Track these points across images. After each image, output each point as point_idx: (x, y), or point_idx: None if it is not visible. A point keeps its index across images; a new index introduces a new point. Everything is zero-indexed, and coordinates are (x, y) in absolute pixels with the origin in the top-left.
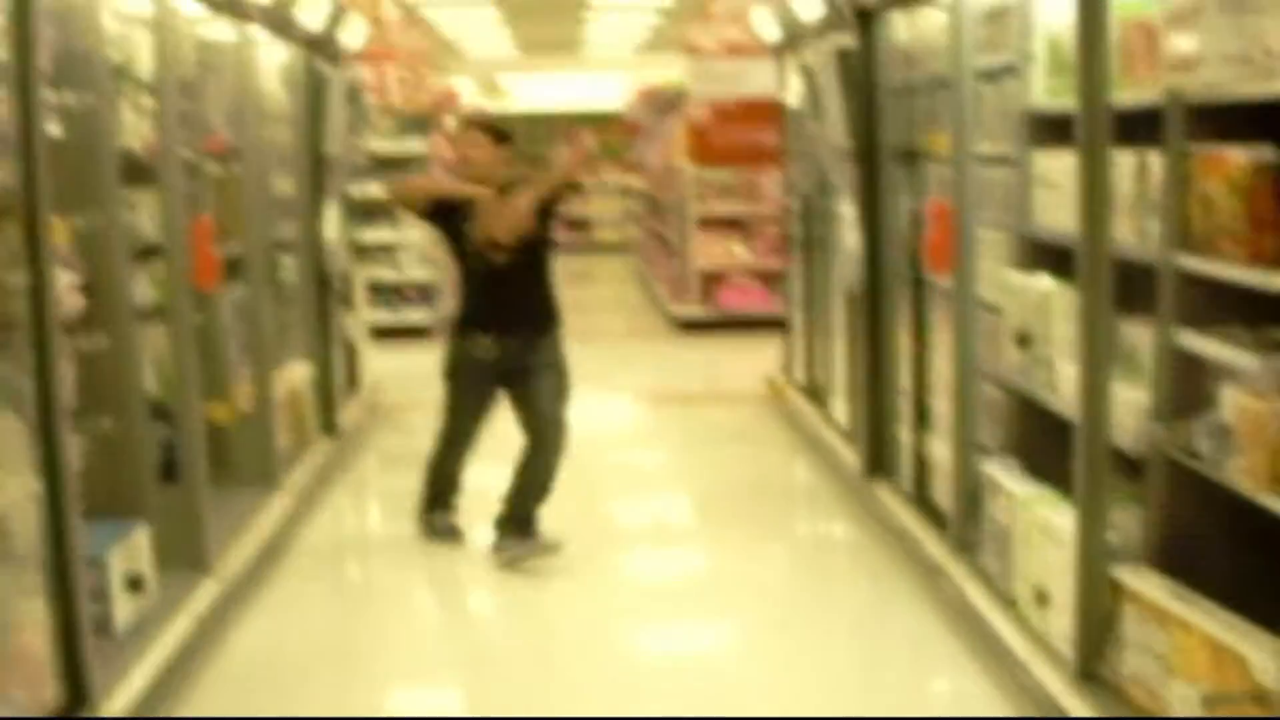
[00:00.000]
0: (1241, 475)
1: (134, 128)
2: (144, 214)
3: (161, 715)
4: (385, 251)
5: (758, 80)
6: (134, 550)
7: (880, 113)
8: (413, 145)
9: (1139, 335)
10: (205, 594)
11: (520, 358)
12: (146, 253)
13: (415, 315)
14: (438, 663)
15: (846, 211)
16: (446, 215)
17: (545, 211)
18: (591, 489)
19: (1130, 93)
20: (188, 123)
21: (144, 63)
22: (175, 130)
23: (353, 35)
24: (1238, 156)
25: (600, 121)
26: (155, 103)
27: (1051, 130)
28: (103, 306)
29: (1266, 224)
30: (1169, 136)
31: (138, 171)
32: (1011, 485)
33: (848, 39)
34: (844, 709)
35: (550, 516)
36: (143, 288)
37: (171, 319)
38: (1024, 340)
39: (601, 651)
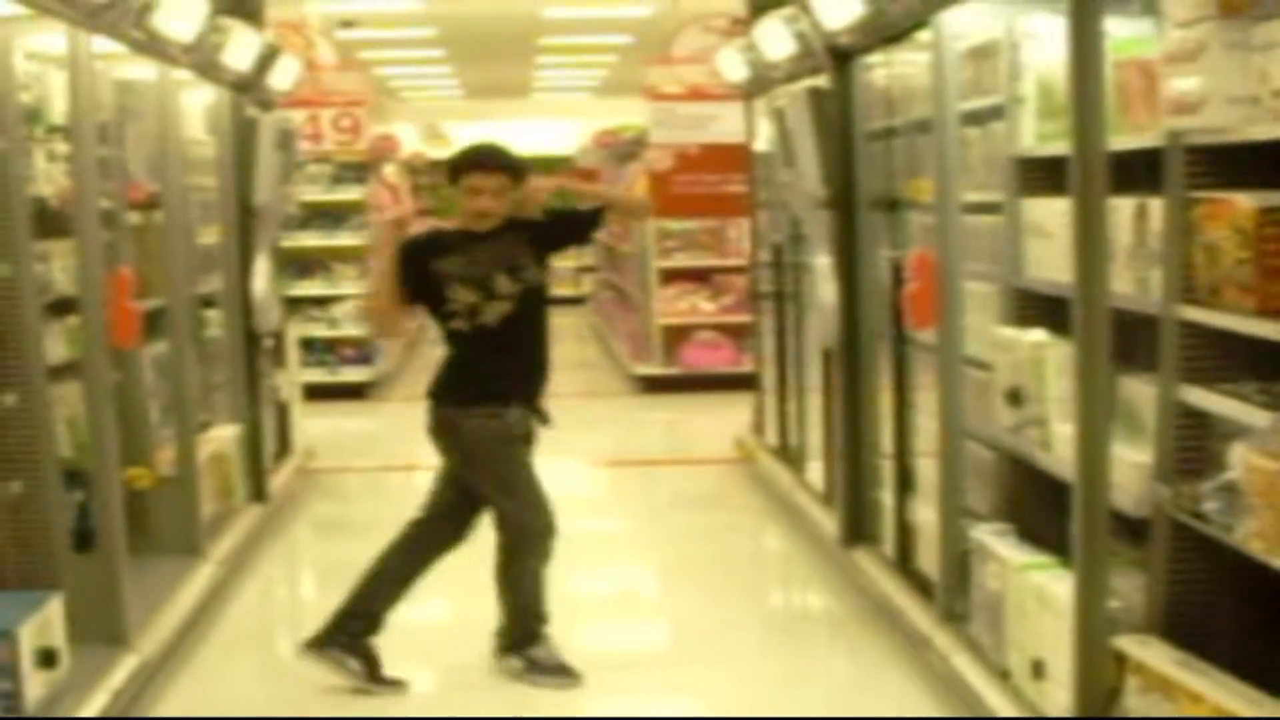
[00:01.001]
0: (1252, 538)
1: (47, 174)
2: (57, 265)
3: None
4: (320, 306)
5: (723, 125)
6: (46, 623)
7: (857, 158)
8: (349, 194)
9: (1140, 391)
10: (123, 669)
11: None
12: (60, 307)
13: (352, 374)
14: None
15: (822, 263)
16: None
17: (545, 252)
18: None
19: (1128, 136)
20: (106, 169)
21: (58, 105)
22: (92, 177)
23: (284, 77)
24: (1245, 202)
25: (553, 166)
26: (70, 148)
27: (1043, 176)
28: (12, 363)
29: (1276, 272)
30: (1170, 181)
31: (51, 221)
32: (1004, 551)
33: (822, 80)
34: None
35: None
36: (56, 344)
37: (87, 377)
38: (1016, 398)
39: None
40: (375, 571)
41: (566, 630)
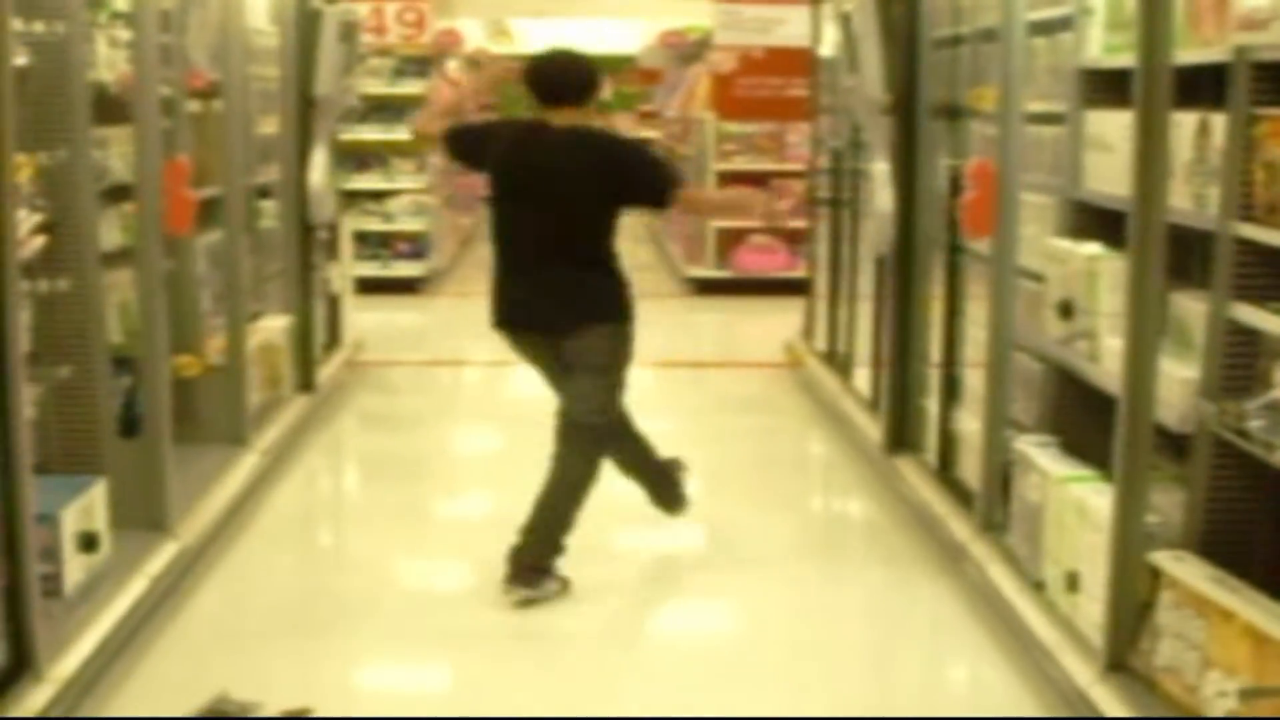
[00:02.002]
0: None
1: (108, 61)
2: (115, 152)
3: (109, 682)
4: (376, 200)
5: (789, 29)
6: (89, 508)
7: (922, 66)
8: (411, 88)
9: (1191, 308)
10: (163, 556)
11: None
12: (116, 193)
13: (406, 269)
14: (414, 637)
15: (880, 170)
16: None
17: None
18: None
19: (1195, 50)
20: (167, 57)
21: None
22: (152, 64)
23: None
24: None
25: (617, 66)
26: (132, 34)
27: (1107, 89)
28: (65, 248)
29: None
30: (1235, 97)
31: (110, 107)
32: (1045, 463)
33: None
34: (855, 696)
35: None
36: (111, 230)
37: (140, 264)
38: (1067, 310)
39: (600, 629)
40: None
41: (609, 531)
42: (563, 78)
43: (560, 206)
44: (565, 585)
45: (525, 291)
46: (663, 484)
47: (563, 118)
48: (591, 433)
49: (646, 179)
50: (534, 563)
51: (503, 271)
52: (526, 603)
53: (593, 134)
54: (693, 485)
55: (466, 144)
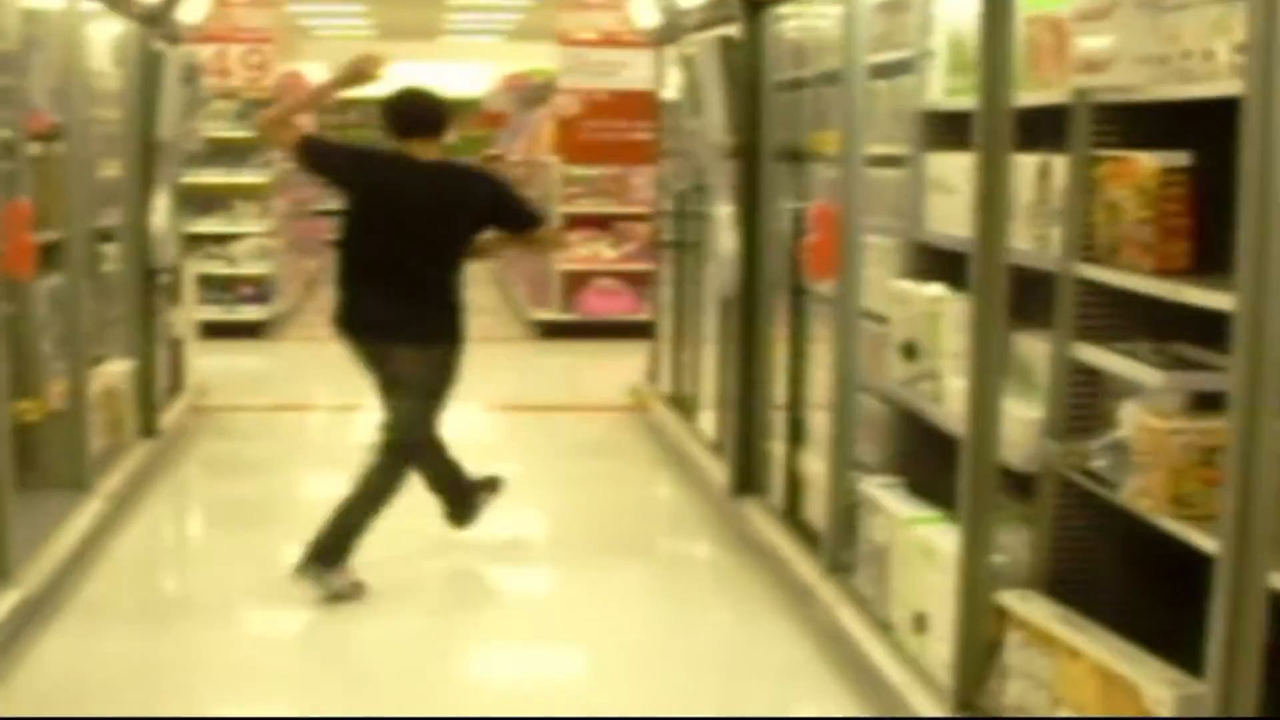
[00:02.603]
0: (1139, 497)
1: None
2: None
3: None
4: (219, 243)
5: (632, 72)
6: None
7: (764, 109)
8: (253, 132)
9: (1034, 348)
10: (5, 603)
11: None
12: None
13: (249, 313)
14: (259, 686)
15: (723, 212)
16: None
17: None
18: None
19: (1035, 93)
20: (7, 99)
21: None
22: None
23: (192, 11)
24: (1148, 161)
25: (461, 110)
26: None
27: (949, 131)
28: None
29: (1177, 233)
30: (1075, 138)
31: None
32: (891, 504)
33: (733, 29)
34: None
35: (397, 532)
36: None
37: None
38: (910, 351)
39: (444, 676)
40: None
41: (455, 572)
42: (419, 112)
43: (427, 232)
44: (358, 588)
45: (377, 304)
46: (459, 501)
47: (420, 150)
48: (405, 450)
49: (516, 207)
50: (320, 555)
51: (355, 283)
52: (314, 584)
53: (462, 167)
54: (538, 529)
55: (325, 157)
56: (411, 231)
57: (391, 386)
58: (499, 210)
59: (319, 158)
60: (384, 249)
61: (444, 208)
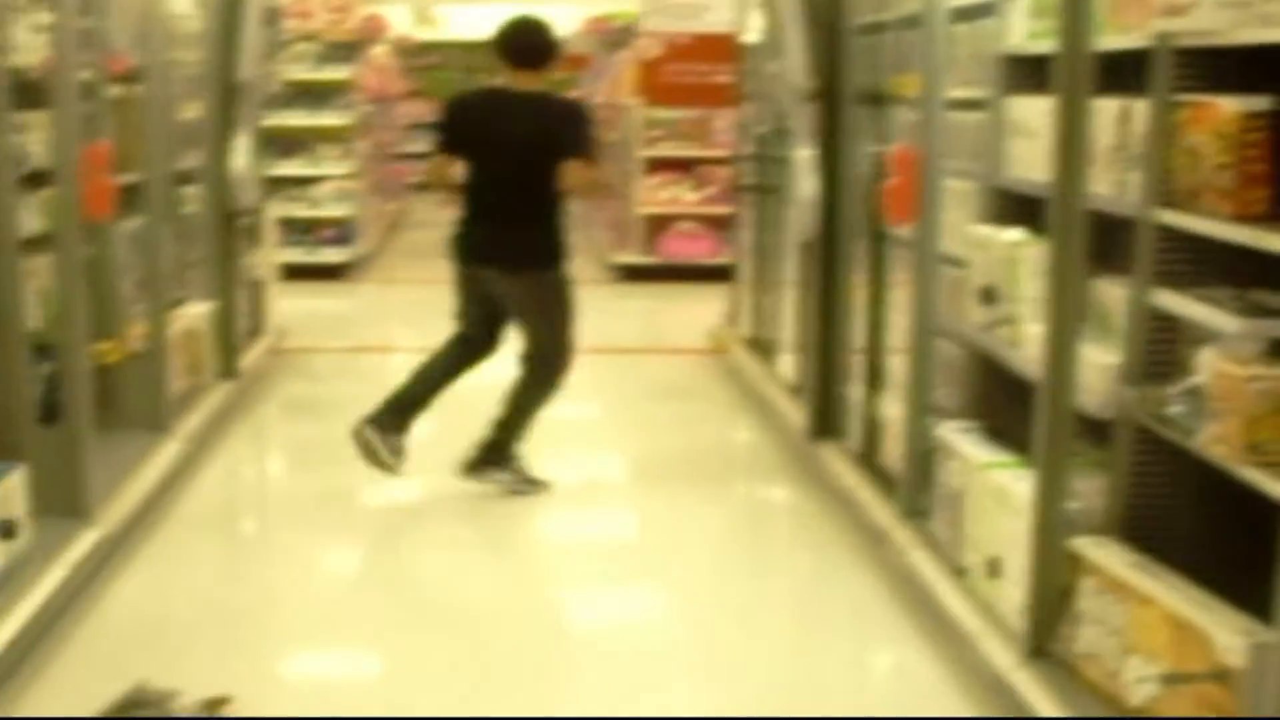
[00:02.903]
0: (1214, 444)
1: (28, 45)
2: (34, 137)
3: (28, 670)
4: (300, 186)
5: (716, 15)
6: (8, 495)
7: (845, 52)
8: (335, 74)
9: (1112, 293)
10: (83, 543)
11: None
12: (36, 179)
13: (330, 255)
14: (339, 626)
15: (804, 156)
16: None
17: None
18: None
19: (1116, 37)
20: (87, 41)
21: None
22: (73, 49)
23: None
24: (1229, 106)
25: None
26: (52, 18)
27: (1030, 75)
28: None
29: (1257, 179)
30: (1156, 83)
31: (30, 92)
32: (966, 449)
33: None
34: (779, 681)
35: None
36: (30, 216)
37: (59, 250)
38: (989, 296)
39: (525, 617)
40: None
41: (534, 512)
42: (525, 45)
43: (515, 160)
44: (538, 484)
45: (477, 232)
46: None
47: (524, 80)
48: (541, 367)
49: (574, 138)
50: (488, 458)
51: (464, 213)
52: (481, 481)
53: (553, 98)
54: (617, 471)
55: (451, 131)
56: (502, 160)
57: (501, 310)
58: (561, 137)
59: (450, 137)
60: (483, 179)
61: (530, 137)
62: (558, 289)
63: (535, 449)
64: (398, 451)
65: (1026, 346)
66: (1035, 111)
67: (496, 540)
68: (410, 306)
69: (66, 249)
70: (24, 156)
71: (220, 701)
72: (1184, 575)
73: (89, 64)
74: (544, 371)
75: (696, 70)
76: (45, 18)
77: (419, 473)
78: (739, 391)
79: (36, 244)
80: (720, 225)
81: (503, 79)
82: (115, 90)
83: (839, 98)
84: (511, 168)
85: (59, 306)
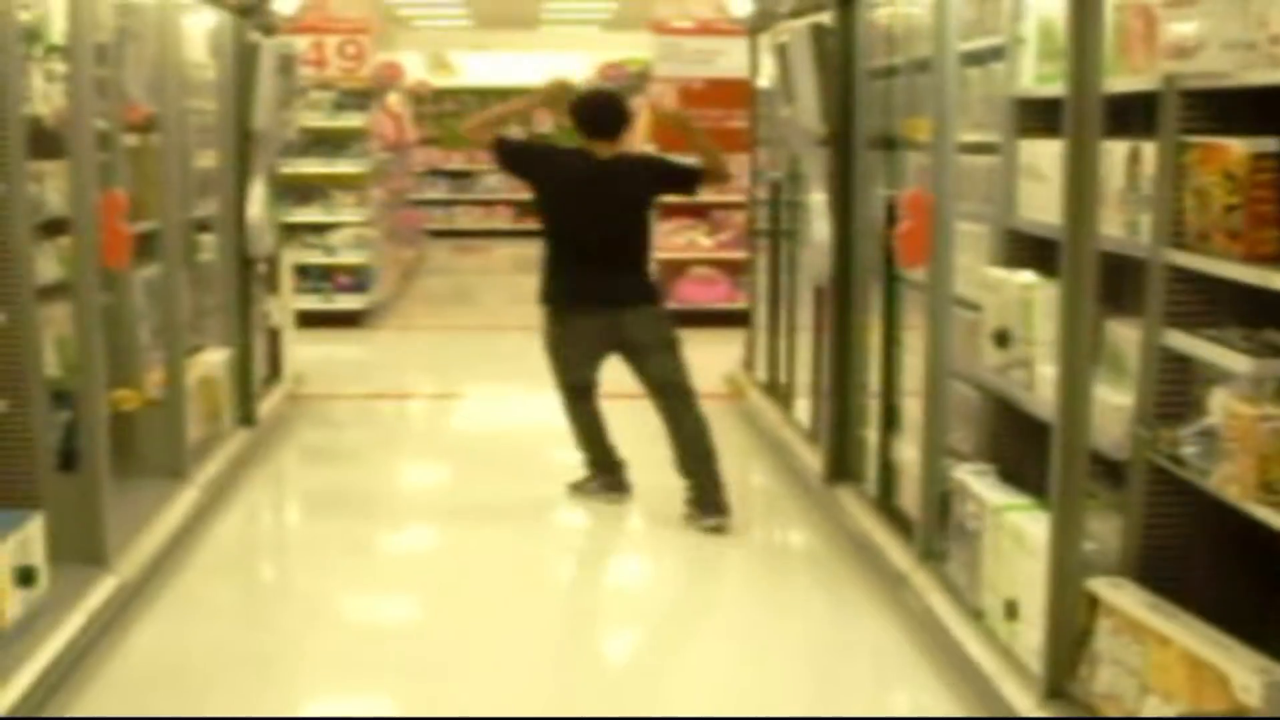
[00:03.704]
0: (1228, 483)
1: (44, 94)
2: (51, 186)
3: (47, 717)
4: (317, 233)
5: (727, 60)
6: (26, 542)
7: (857, 96)
8: (351, 121)
9: (1125, 335)
10: (102, 590)
11: None
12: (53, 227)
13: (347, 302)
14: (358, 673)
15: (817, 200)
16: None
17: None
18: (540, 495)
19: (1125, 80)
20: (103, 90)
21: (57, 25)
22: (89, 98)
23: (289, 2)
24: (1237, 147)
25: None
26: (68, 68)
27: (1040, 118)
28: (1, 282)
29: (1266, 219)
30: (1165, 125)
31: (47, 141)
32: (983, 491)
33: (825, 16)
34: None
35: (492, 517)
36: (47, 264)
37: (77, 298)
38: (1003, 339)
39: (541, 661)
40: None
41: (553, 559)
42: (604, 117)
43: (612, 214)
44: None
45: (579, 278)
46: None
47: (600, 149)
48: (681, 394)
49: (676, 169)
50: (713, 507)
51: (559, 264)
52: (716, 530)
53: (630, 155)
54: (633, 516)
55: (520, 155)
56: (599, 215)
57: (616, 351)
58: (664, 178)
59: (515, 156)
60: (579, 231)
61: (622, 191)
62: (662, 319)
63: (551, 493)
64: (617, 487)
65: (1041, 388)
66: (1046, 154)
67: (512, 584)
68: (427, 353)
69: (84, 297)
70: (41, 205)
71: None
72: (1200, 615)
73: (105, 113)
74: (685, 397)
75: (710, 116)
76: (61, 67)
77: (437, 520)
78: (755, 436)
79: (54, 292)
80: (735, 270)
81: (581, 144)
82: (131, 139)
83: (851, 142)
84: (610, 218)
85: (77, 354)
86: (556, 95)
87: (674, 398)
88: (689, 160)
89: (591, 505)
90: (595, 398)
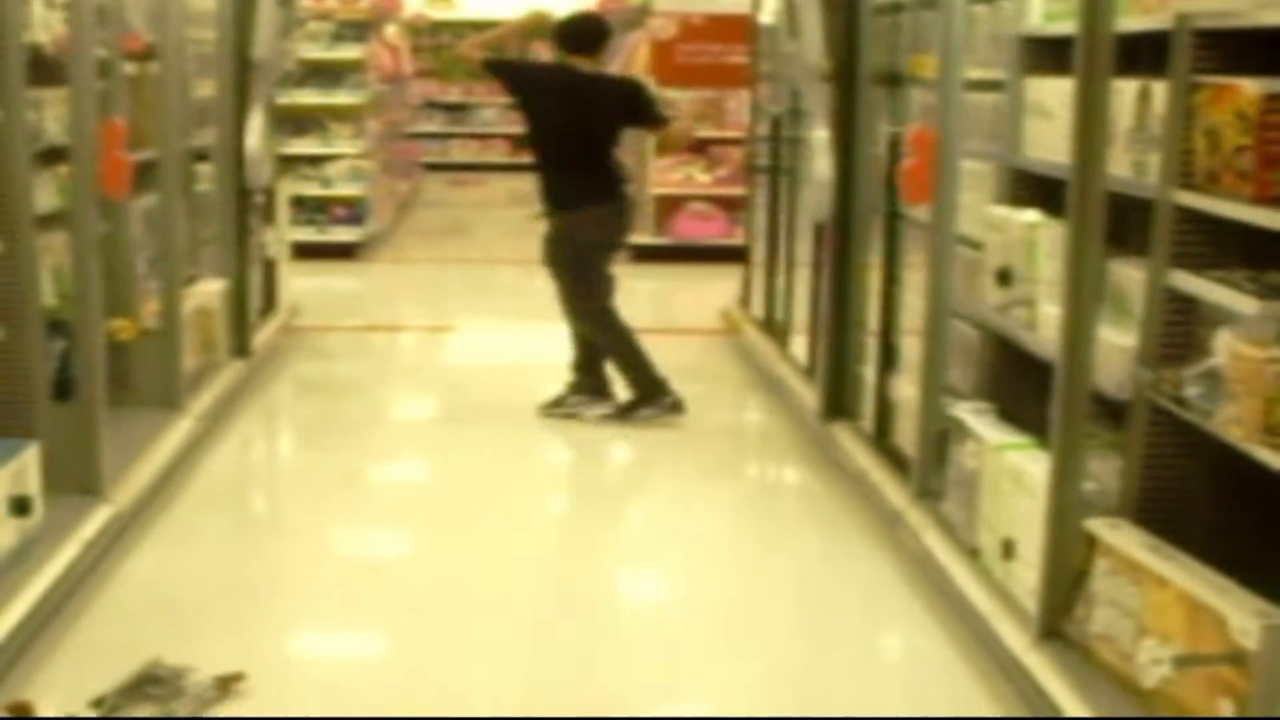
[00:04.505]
0: (1231, 425)
1: (44, 22)
2: (50, 114)
3: (42, 646)
4: (313, 165)
5: None
6: (21, 471)
7: (862, 32)
8: (348, 53)
9: (1129, 275)
10: (96, 520)
11: None
12: (51, 155)
13: (342, 234)
14: (351, 604)
15: (819, 137)
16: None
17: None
18: (526, 422)
19: (1136, 19)
20: (103, 18)
21: None
22: (89, 26)
23: None
24: (1249, 88)
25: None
26: None
27: (1048, 56)
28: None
29: (1277, 160)
30: (1176, 64)
31: (46, 69)
32: (982, 429)
33: None
34: (790, 661)
35: (485, 449)
36: (45, 193)
37: (74, 227)
38: (1005, 277)
39: (531, 596)
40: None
41: (548, 494)
42: (583, 34)
43: (582, 126)
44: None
45: (552, 181)
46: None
47: (581, 63)
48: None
49: (644, 110)
50: (644, 397)
51: (542, 172)
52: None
53: (609, 77)
54: (627, 450)
55: (506, 66)
56: (571, 125)
57: (570, 253)
58: (632, 111)
59: (506, 74)
60: (554, 140)
61: (593, 107)
62: (618, 222)
63: (542, 427)
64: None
65: (1043, 328)
66: (1053, 92)
67: (507, 518)
68: (421, 286)
69: (82, 226)
70: (40, 133)
71: (233, 678)
72: (1199, 558)
73: (105, 41)
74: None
75: (710, 51)
76: None
77: (429, 452)
78: (751, 372)
79: (51, 221)
80: (732, 206)
81: (559, 59)
82: (130, 68)
83: (855, 78)
84: (580, 129)
85: (74, 284)
86: (531, 27)
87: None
88: (660, 109)
89: (582, 439)
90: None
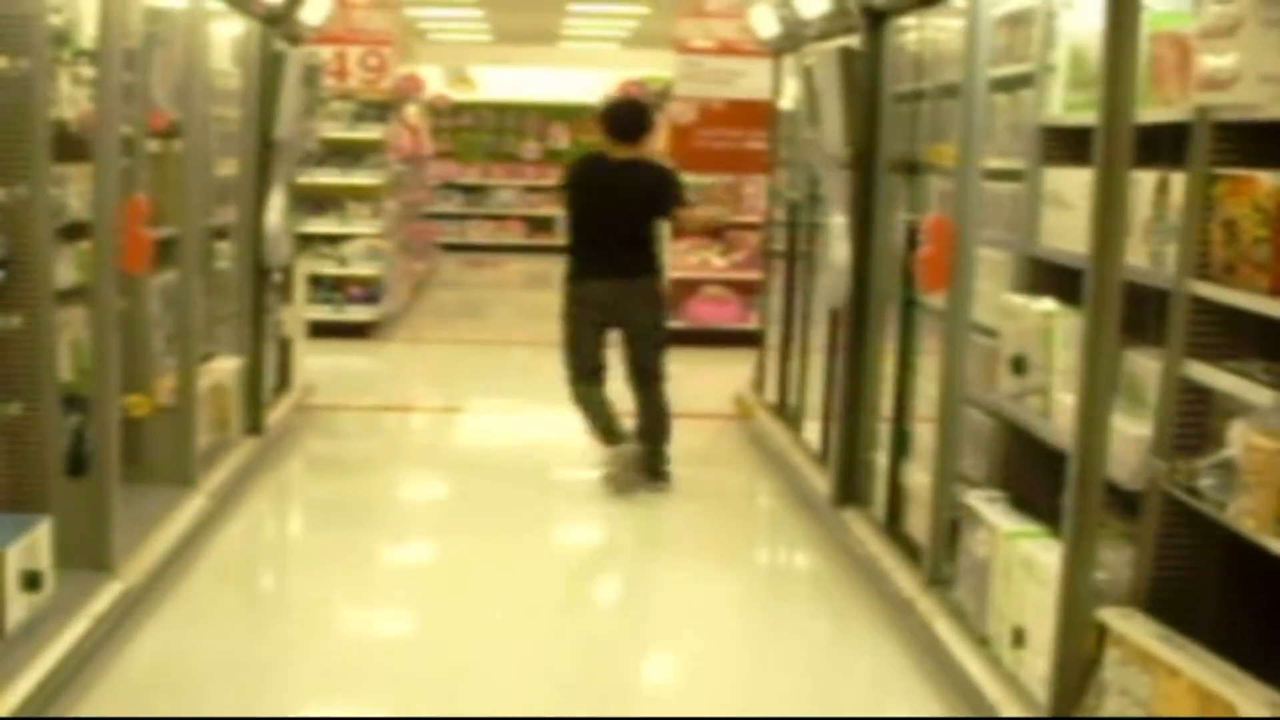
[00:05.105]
0: (1245, 516)
1: (70, 98)
2: (73, 189)
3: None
4: (330, 244)
5: (748, 81)
6: (32, 546)
7: (882, 120)
8: (369, 133)
9: (1144, 365)
10: (107, 595)
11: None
12: (73, 231)
13: (358, 313)
14: (357, 683)
15: (837, 223)
16: None
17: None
18: (542, 510)
19: (1156, 110)
20: (129, 96)
21: (87, 29)
22: (115, 103)
23: (314, 13)
24: (1268, 180)
25: (574, 115)
26: (96, 72)
27: (1067, 146)
28: (20, 284)
29: None
30: (1195, 156)
31: (71, 144)
32: (994, 518)
33: (854, 40)
34: None
35: (494, 530)
36: (66, 268)
37: (93, 302)
38: (1020, 366)
39: (538, 678)
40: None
41: (559, 574)
42: (624, 124)
43: (616, 211)
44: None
45: (594, 259)
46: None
47: (619, 151)
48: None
49: (665, 196)
50: (658, 475)
51: (580, 250)
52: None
53: (644, 162)
54: (637, 535)
55: (563, 185)
56: (609, 208)
57: (611, 327)
58: (656, 197)
59: (562, 189)
60: (593, 221)
61: (625, 193)
62: (659, 294)
63: (558, 514)
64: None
65: (1057, 417)
66: (1072, 182)
67: (517, 600)
68: (435, 366)
69: (102, 302)
70: (62, 208)
71: None
72: (1211, 648)
73: (130, 118)
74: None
75: (729, 136)
76: (89, 71)
77: (438, 533)
78: (763, 457)
79: (71, 296)
80: (747, 290)
81: (604, 147)
82: (154, 145)
83: (874, 165)
84: (615, 214)
85: (92, 359)
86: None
87: (647, 382)
88: (686, 195)
89: (592, 521)
90: (602, 382)
